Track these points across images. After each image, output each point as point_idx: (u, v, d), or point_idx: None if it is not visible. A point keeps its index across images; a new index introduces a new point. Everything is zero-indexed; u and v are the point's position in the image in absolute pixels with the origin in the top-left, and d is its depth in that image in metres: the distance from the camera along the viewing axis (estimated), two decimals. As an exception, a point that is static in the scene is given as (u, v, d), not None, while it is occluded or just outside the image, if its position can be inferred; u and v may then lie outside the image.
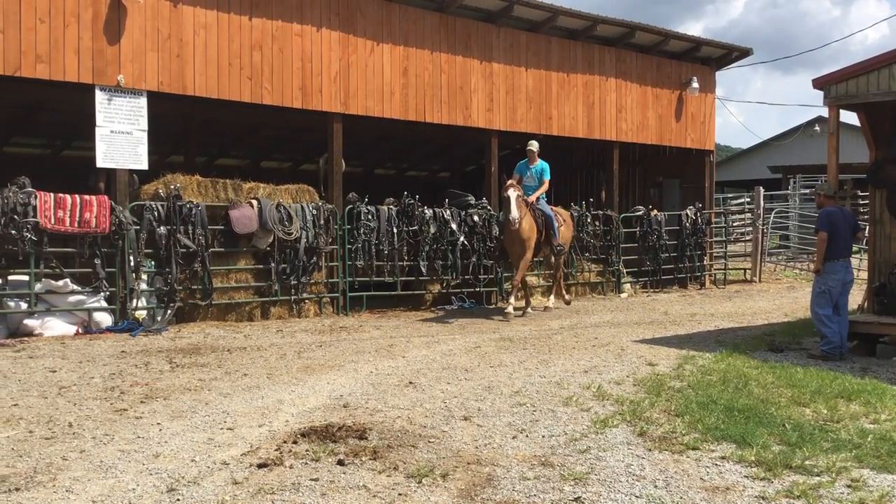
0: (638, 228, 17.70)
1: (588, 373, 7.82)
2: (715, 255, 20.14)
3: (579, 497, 4.30)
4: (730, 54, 19.66)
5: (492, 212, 15.00)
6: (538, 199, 13.33)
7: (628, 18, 17.21)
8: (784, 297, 16.64)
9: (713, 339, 10.23)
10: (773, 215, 24.88)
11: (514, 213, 12.22)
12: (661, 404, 6.38)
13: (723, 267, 19.92)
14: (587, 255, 16.63)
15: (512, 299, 12.95)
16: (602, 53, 17.37)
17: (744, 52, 19.71)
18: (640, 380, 7.43)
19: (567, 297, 14.80)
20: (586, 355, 8.90)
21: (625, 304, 15.21)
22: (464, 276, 14.50)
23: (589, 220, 16.63)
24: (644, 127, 18.27)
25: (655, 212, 18.10)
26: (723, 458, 5.04)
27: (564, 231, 14.08)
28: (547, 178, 13.57)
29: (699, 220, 18.58)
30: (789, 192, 28.82)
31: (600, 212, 17.23)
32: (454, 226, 14.28)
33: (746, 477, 4.70)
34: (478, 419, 5.89)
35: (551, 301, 14.17)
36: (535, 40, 16.17)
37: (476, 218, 14.61)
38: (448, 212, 14.36)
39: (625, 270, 17.54)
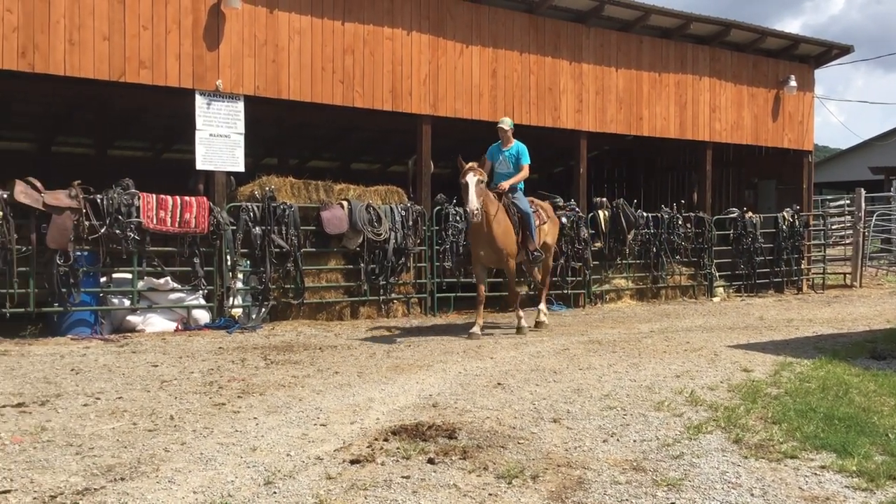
0: (732, 231, 17.30)
1: (680, 377, 7.67)
2: (813, 258, 19.49)
3: (673, 503, 4.24)
4: (829, 52, 19.02)
5: (580, 213, 14.88)
6: (514, 188, 10.92)
7: (723, 16, 16.82)
8: (886, 302, 15.98)
9: (811, 346, 9.90)
10: (874, 218, 23.93)
11: (474, 202, 9.87)
12: (756, 411, 6.22)
13: (821, 271, 19.25)
14: (678, 257, 16.34)
15: (479, 320, 10.60)
16: (695, 52, 17.03)
17: (844, 50, 19.04)
18: (735, 386, 7.25)
19: (543, 313, 11.88)
20: (678, 360, 8.74)
21: (717, 309, 14.86)
22: (552, 278, 14.40)
23: (680, 222, 16.32)
24: (739, 127, 17.83)
25: (750, 214, 17.64)
26: (822, 467, 4.88)
27: (549, 230, 11.76)
28: (525, 162, 11.04)
29: (796, 223, 18.04)
30: (892, 193, 27.64)
31: (692, 214, 16.89)
32: (542, 227, 14.20)
33: (847, 487, 4.54)
34: (567, 422, 5.86)
35: (542, 314, 11.79)
36: (626, 40, 15.97)
37: (564, 220, 14.49)
38: (536, 213, 14.30)
39: (717, 274, 17.16)
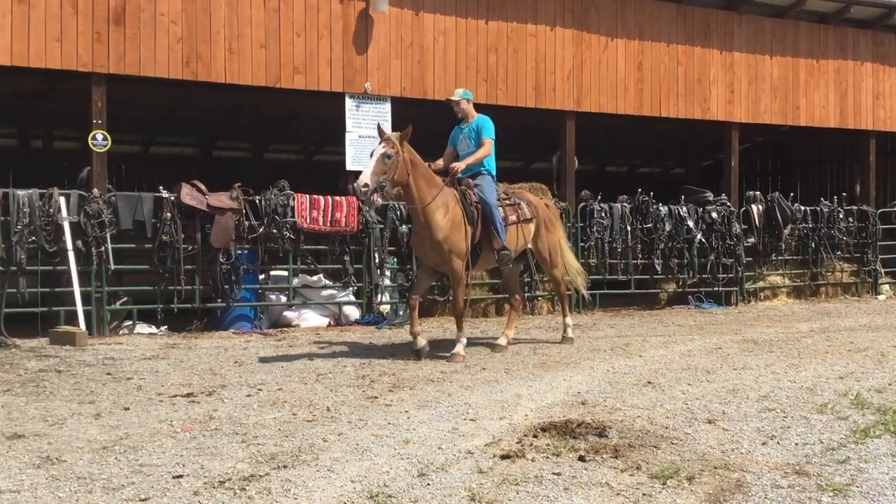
0: (899, 225, 16.26)
1: (844, 379, 7.28)
2: None
3: (840, 510, 4.03)
4: None
5: (731, 209, 14.37)
6: (476, 171, 8.85)
7: (886, -2, 15.83)
8: None
9: None
10: None
11: (364, 177, 7.65)
12: (931, 416, 5.82)
13: None
14: (839, 253, 15.50)
15: (419, 340, 8.39)
16: (856, 37, 16.09)
17: None
18: (906, 389, 6.81)
19: (506, 336, 9.25)
20: (841, 360, 8.28)
21: (883, 307, 13.99)
22: (701, 275, 14.02)
23: (841, 215, 15.48)
24: (906, 114, 16.70)
25: (920, 206, 16.53)
26: None
27: (539, 231, 9.38)
28: (487, 136, 8.84)
29: (973, 215, 16.73)
30: None
31: (854, 207, 15.99)
32: (691, 223, 13.86)
33: None
34: (723, 423, 5.67)
35: (504, 337, 9.25)
36: (781, 26, 15.29)
37: (714, 215, 14.07)
38: (684, 209, 13.95)
39: (883, 270, 16.15)
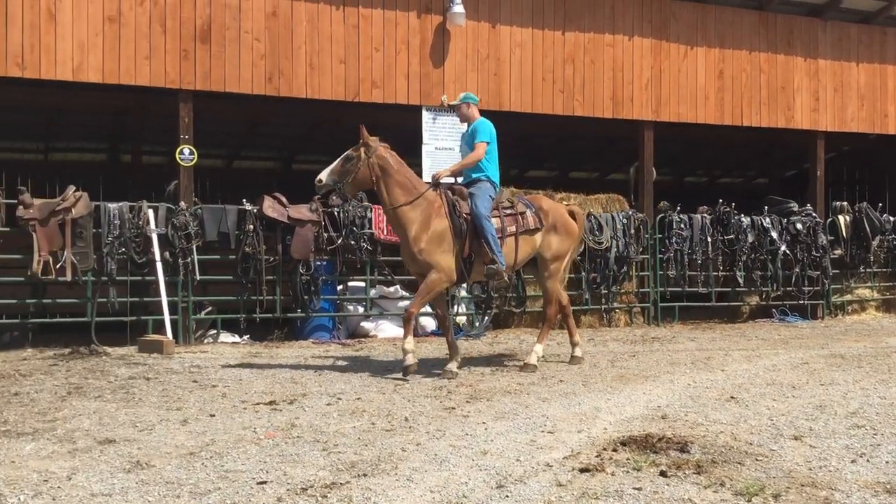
0: None
1: (939, 397, 7.00)
2: None
3: (936, 533, 3.87)
4: None
5: (817, 219, 13.98)
6: (470, 177, 8.38)
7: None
8: None
9: None
10: None
11: (323, 173, 7.89)
12: None
13: None
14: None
15: (408, 344, 7.85)
16: (948, 40, 15.51)
17: None
18: None
19: (578, 346, 9.07)
20: (935, 377, 7.97)
21: (980, 322, 13.39)
22: (785, 288, 13.66)
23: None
24: None
25: None
26: None
27: (549, 241, 8.58)
28: (481, 140, 8.27)
29: None
30: None
31: (948, 217, 15.37)
32: (774, 234, 13.53)
33: None
34: (810, 439, 5.51)
35: (534, 355, 8.64)
36: (868, 32, 14.85)
37: (799, 226, 13.70)
38: (767, 219, 13.63)
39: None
